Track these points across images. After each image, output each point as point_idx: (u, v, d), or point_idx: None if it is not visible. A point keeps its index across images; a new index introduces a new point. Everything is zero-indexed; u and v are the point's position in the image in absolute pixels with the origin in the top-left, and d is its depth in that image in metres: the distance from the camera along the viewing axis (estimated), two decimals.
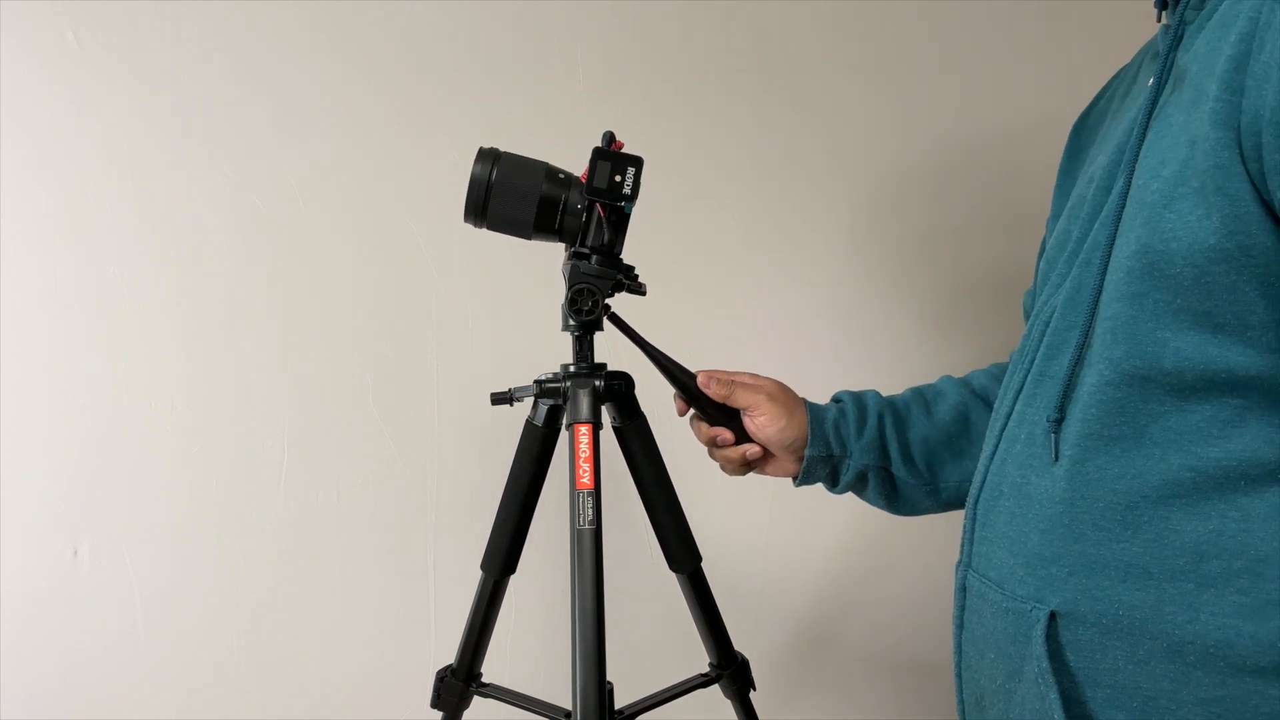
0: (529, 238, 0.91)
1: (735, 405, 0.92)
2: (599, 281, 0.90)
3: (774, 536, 1.41)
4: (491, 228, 0.90)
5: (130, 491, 1.23)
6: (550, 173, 0.89)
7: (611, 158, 0.87)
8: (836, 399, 0.95)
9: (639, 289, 0.93)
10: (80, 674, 1.24)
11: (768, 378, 0.94)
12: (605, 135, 0.89)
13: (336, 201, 1.27)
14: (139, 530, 1.24)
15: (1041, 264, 0.80)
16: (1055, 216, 0.83)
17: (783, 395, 0.92)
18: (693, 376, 0.93)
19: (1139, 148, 0.64)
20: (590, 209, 0.89)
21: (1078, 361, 0.66)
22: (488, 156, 0.88)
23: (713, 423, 0.93)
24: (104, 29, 1.19)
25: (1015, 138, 1.41)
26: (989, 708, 0.74)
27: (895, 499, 0.93)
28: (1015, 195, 1.41)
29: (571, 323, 0.92)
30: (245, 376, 1.26)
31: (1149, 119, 0.65)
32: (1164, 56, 0.66)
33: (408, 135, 1.28)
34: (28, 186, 1.19)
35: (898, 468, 0.91)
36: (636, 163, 0.87)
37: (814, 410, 0.92)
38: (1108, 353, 0.63)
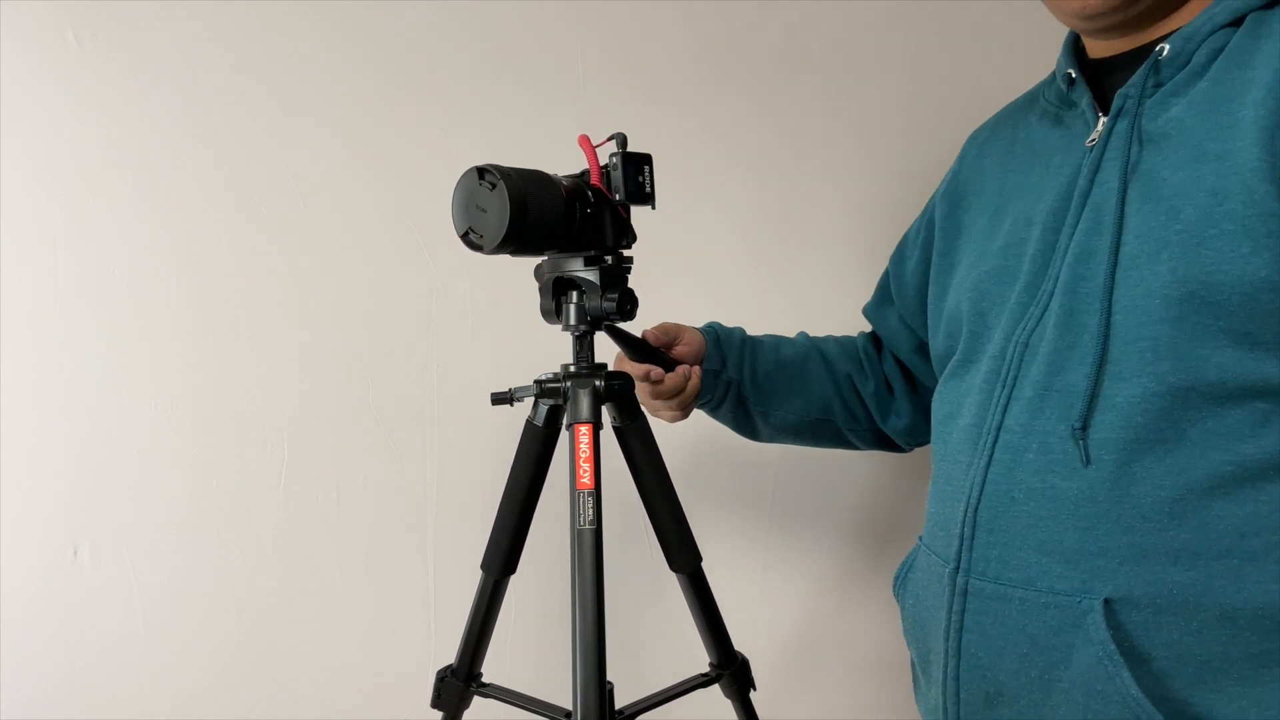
0: (555, 251, 0.90)
1: (672, 339, 1.01)
2: (626, 276, 0.93)
3: (774, 536, 1.41)
4: (525, 246, 0.85)
5: (130, 491, 1.23)
6: (557, 179, 0.88)
7: (633, 160, 0.89)
8: (711, 325, 1.08)
9: None
10: (80, 674, 1.24)
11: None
12: (620, 137, 0.89)
13: (337, 201, 1.27)
14: (139, 530, 1.24)
15: (970, 294, 0.87)
16: (945, 253, 0.95)
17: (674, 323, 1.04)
18: (644, 340, 0.98)
19: (1122, 196, 0.74)
20: (611, 210, 0.89)
21: (1098, 377, 0.73)
22: (507, 174, 0.81)
23: (670, 368, 0.98)
24: (104, 29, 1.19)
25: None
26: (1005, 704, 0.77)
27: (742, 418, 1.08)
28: None
29: (580, 324, 0.92)
30: (245, 376, 1.25)
31: (1126, 173, 0.75)
32: (1130, 123, 0.76)
33: (408, 136, 1.28)
34: (28, 186, 1.19)
35: (747, 389, 1.06)
36: (649, 160, 0.92)
37: (703, 331, 1.05)
38: (1151, 368, 0.71)
